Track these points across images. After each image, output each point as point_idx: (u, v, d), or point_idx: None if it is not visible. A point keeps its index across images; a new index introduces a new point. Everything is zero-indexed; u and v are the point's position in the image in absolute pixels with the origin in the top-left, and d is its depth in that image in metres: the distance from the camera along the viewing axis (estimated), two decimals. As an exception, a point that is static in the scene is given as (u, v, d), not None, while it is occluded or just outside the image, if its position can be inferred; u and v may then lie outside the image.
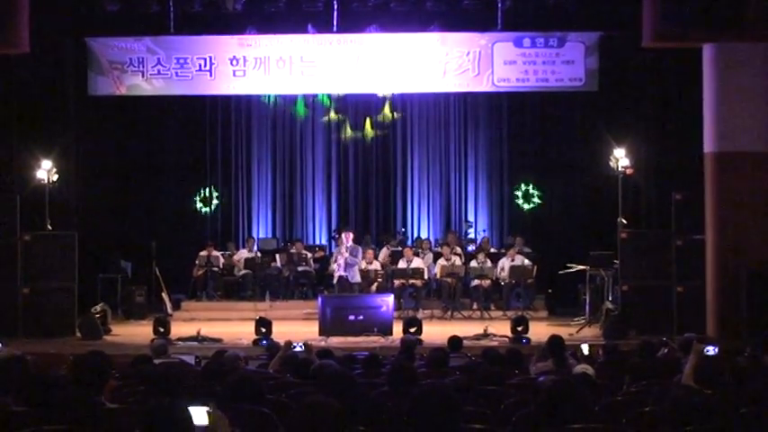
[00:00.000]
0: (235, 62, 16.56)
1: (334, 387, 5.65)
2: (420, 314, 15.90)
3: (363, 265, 16.54)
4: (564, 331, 12.36)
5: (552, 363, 8.64)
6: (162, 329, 13.96)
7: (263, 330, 13.62)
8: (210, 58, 16.57)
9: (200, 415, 4.49)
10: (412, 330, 13.53)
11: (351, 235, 16.30)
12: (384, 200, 20.18)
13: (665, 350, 9.60)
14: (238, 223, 20.06)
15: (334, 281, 16.24)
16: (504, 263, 17.04)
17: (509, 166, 19.78)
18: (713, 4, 13.65)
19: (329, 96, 18.52)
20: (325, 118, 19.06)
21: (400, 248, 17.83)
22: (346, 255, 15.92)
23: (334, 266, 16.22)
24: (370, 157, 20.02)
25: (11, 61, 15.42)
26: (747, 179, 13.87)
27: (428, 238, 19.01)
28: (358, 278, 16.15)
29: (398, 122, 19.71)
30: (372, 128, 18.98)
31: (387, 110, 18.57)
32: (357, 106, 19.45)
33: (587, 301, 15.62)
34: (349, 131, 19.38)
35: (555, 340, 9.11)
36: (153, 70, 16.54)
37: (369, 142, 19.46)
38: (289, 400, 6.26)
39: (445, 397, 4.59)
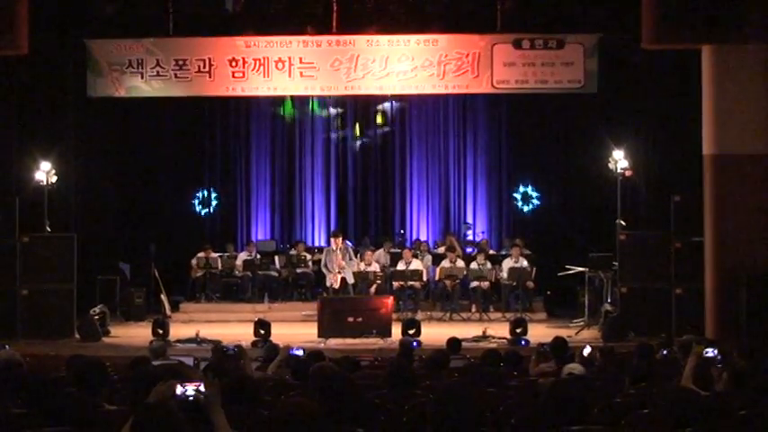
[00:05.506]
0: (234, 64, 16.52)
1: (331, 389, 5.63)
2: (419, 316, 15.88)
3: (362, 266, 16.50)
4: (563, 333, 12.33)
5: (555, 364, 8.64)
6: (160, 331, 13.98)
7: (262, 332, 13.62)
8: (210, 59, 16.53)
9: (193, 385, 4.51)
10: (411, 332, 13.52)
11: (339, 240, 16.17)
12: (383, 201, 20.15)
13: (665, 351, 9.56)
14: (237, 225, 20.03)
15: (328, 284, 16.11)
16: (507, 263, 16.99)
17: (508, 168, 19.77)
18: (713, 7, 13.66)
19: (328, 98, 18.50)
20: (324, 119, 19.02)
21: (399, 250, 17.80)
22: (343, 263, 15.81)
23: (325, 271, 16.08)
24: (369, 158, 20.01)
25: (10, 63, 15.41)
26: (746, 181, 13.88)
27: (426, 241, 18.98)
28: (351, 279, 16.07)
29: (397, 124, 19.71)
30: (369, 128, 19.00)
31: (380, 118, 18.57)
32: (356, 108, 19.43)
33: (586, 303, 15.62)
34: (348, 133, 19.33)
35: (558, 342, 9.11)
36: (152, 72, 16.50)
37: (367, 142, 19.47)
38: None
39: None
